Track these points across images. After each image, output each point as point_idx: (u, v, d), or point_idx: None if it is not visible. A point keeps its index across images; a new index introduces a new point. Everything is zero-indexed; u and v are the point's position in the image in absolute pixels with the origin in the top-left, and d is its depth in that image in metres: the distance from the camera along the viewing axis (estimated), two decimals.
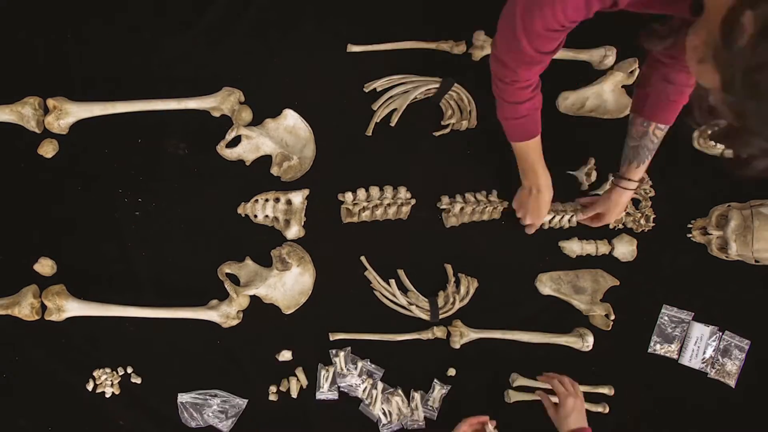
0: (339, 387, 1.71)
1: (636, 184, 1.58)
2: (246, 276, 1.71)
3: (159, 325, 1.69)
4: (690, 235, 1.77)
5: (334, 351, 1.71)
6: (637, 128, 1.48)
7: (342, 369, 1.70)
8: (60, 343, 1.69)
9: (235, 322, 1.69)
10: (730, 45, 0.74)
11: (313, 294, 1.72)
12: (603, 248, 1.77)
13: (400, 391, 1.70)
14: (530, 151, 1.50)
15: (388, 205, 1.69)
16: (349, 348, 1.71)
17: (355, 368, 1.70)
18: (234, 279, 1.71)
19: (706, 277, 1.80)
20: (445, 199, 1.73)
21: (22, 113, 1.68)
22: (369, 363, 1.71)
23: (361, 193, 1.69)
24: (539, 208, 1.62)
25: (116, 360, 1.70)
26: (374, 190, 1.70)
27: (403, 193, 1.71)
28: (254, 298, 1.70)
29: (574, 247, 1.77)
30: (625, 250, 1.77)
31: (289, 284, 1.70)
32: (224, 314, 1.67)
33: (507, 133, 1.48)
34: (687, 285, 1.79)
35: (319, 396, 1.71)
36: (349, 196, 1.69)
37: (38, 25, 1.73)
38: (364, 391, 1.70)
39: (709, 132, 1.73)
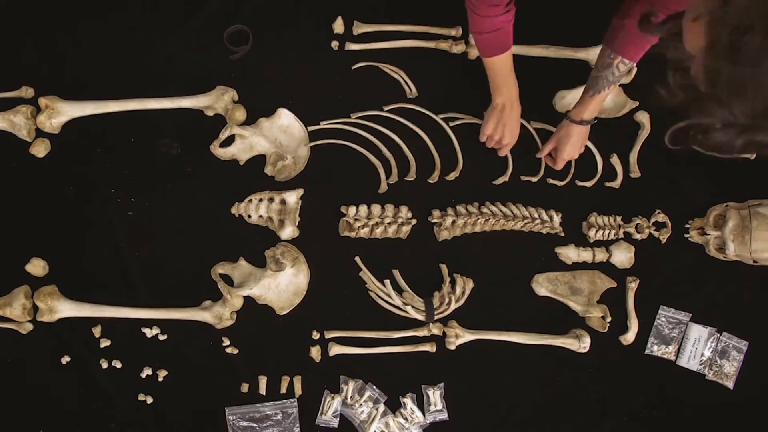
0: (341, 413, 1.69)
1: (586, 117, 1.57)
2: (240, 277, 1.70)
3: (152, 325, 1.68)
4: (688, 236, 1.76)
5: (343, 378, 1.70)
6: (603, 60, 1.47)
7: (348, 399, 1.69)
8: (52, 344, 1.68)
9: (228, 323, 1.68)
10: (726, 2, 0.75)
11: (308, 295, 1.70)
12: (600, 255, 1.75)
13: (399, 413, 1.70)
14: (504, 65, 1.51)
15: (389, 223, 1.68)
16: (361, 381, 1.70)
17: (361, 397, 1.69)
18: (228, 280, 1.69)
19: (704, 277, 1.78)
20: (437, 213, 1.71)
21: (13, 121, 1.66)
22: (375, 389, 1.70)
23: (363, 209, 1.68)
24: (515, 123, 1.64)
25: (109, 361, 1.69)
26: (376, 208, 1.68)
27: (405, 212, 1.70)
28: (248, 299, 1.69)
29: (570, 254, 1.75)
30: (622, 257, 1.75)
31: (283, 285, 1.68)
32: (217, 315, 1.66)
33: (480, 48, 1.48)
34: (685, 285, 1.78)
35: (319, 421, 1.69)
36: (352, 210, 1.68)
37: (31, 23, 1.72)
38: (367, 415, 1.69)
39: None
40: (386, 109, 1.73)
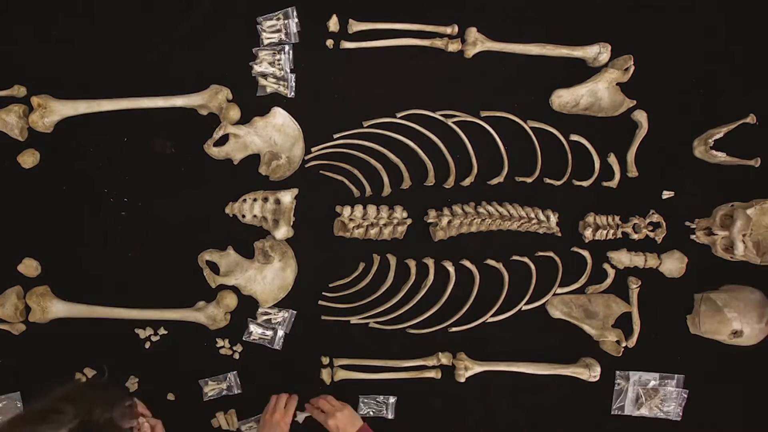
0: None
1: None
2: (226, 265, 1.68)
3: (145, 326, 1.67)
4: (694, 236, 1.73)
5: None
6: None
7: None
8: (44, 344, 1.67)
9: (222, 324, 1.67)
10: None
11: (297, 291, 1.70)
12: (652, 261, 1.72)
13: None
14: None
15: (384, 225, 1.66)
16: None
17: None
18: (214, 267, 1.68)
19: (709, 278, 1.76)
20: (433, 213, 1.69)
21: (6, 121, 1.65)
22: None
23: (359, 210, 1.66)
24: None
25: (102, 362, 1.67)
26: (371, 209, 1.67)
27: (399, 212, 1.68)
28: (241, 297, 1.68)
29: (622, 259, 1.72)
30: (672, 266, 1.73)
31: (269, 278, 1.67)
32: (211, 316, 1.65)
33: None
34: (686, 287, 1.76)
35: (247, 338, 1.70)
36: (347, 211, 1.66)
37: (24, 22, 1.71)
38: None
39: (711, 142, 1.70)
40: (399, 116, 1.72)
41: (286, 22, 1.69)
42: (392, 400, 1.69)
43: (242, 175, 1.70)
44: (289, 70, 1.70)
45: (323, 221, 1.71)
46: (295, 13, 1.70)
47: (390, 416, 1.70)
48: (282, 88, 1.69)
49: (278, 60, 1.69)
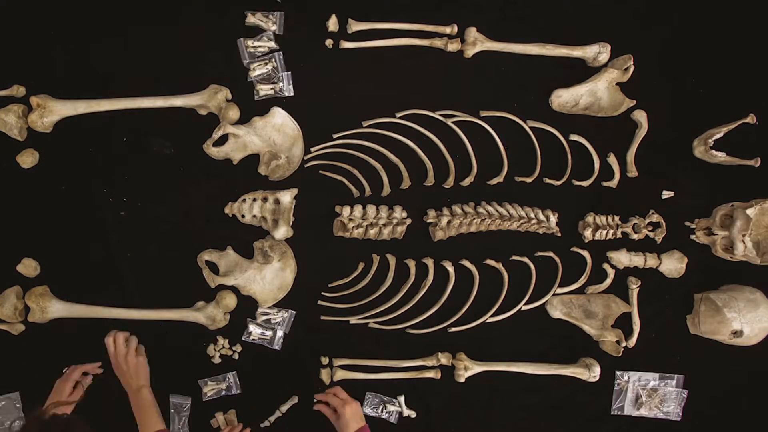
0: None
1: None
2: (226, 265, 1.68)
3: (145, 326, 1.67)
4: (694, 236, 1.73)
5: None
6: None
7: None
8: (44, 344, 1.67)
9: (222, 324, 1.66)
10: None
11: (296, 291, 1.70)
12: (651, 261, 1.72)
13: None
14: None
15: (383, 225, 1.66)
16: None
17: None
18: (213, 268, 1.68)
19: (709, 278, 1.76)
20: (432, 213, 1.69)
21: (5, 120, 1.64)
22: None
23: (358, 210, 1.66)
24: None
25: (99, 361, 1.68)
26: (371, 209, 1.67)
27: (399, 212, 1.68)
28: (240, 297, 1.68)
29: (622, 258, 1.72)
30: (672, 266, 1.73)
31: (268, 278, 1.67)
32: (211, 316, 1.65)
33: None
34: (686, 287, 1.76)
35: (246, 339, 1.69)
36: (346, 211, 1.66)
37: (23, 22, 1.71)
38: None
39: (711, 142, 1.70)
40: (399, 116, 1.72)
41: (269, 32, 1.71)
42: (396, 408, 1.69)
43: (242, 175, 1.70)
44: (283, 72, 1.70)
45: (323, 221, 1.71)
46: (282, 18, 1.71)
47: (392, 421, 1.70)
48: (279, 89, 1.69)
49: (271, 67, 1.69)
